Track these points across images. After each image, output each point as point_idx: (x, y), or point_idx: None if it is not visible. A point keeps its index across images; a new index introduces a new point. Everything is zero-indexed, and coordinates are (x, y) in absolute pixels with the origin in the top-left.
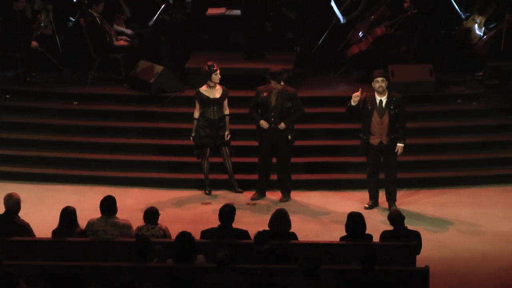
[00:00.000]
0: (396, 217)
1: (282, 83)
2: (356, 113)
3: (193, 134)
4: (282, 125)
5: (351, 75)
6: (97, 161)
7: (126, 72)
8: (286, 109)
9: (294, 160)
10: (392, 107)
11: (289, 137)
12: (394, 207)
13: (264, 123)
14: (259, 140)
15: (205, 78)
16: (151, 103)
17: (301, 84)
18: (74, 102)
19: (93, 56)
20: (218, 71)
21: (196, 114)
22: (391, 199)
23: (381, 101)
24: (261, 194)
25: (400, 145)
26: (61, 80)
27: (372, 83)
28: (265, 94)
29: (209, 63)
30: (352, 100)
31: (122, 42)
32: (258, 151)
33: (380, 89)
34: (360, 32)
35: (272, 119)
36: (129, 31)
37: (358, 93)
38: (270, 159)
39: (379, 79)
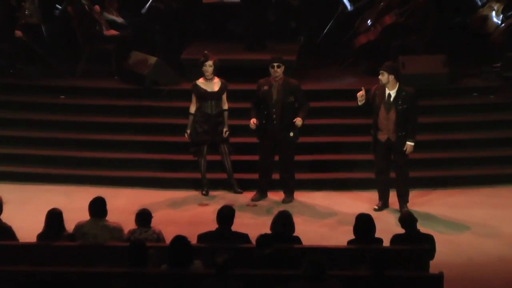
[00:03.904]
0: (408, 219)
1: (280, 69)
2: (368, 108)
3: (188, 131)
4: (299, 121)
5: (358, 67)
6: (86, 159)
7: (118, 64)
8: (288, 103)
9: (297, 158)
10: (400, 102)
11: (291, 134)
12: (406, 209)
13: (251, 123)
14: (259, 137)
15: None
16: (144, 97)
17: (304, 77)
18: (62, 96)
19: (82, 46)
20: (209, 63)
21: (192, 109)
22: (402, 200)
23: (389, 95)
24: (262, 195)
25: (409, 143)
26: (48, 73)
27: None
28: (265, 87)
29: (203, 53)
30: (358, 101)
31: (113, 32)
32: (259, 149)
33: (380, 82)
34: (369, 21)
35: (274, 116)
36: (120, 20)
37: (362, 93)
38: (272, 157)
39: (380, 71)
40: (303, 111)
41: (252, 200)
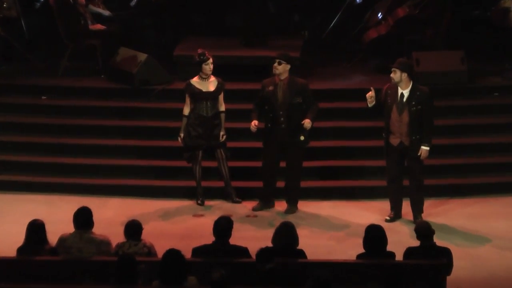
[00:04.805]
0: (425, 230)
1: (281, 66)
2: (380, 110)
3: (181, 134)
4: (307, 123)
5: (368, 64)
6: (71, 166)
7: (104, 61)
8: (295, 104)
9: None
10: (413, 103)
11: (302, 137)
12: (420, 219)
13: (252, 126)
14: (264, 141)
15: (197, 69)
16: (133, 97)
17: (309, 75)
18: (43, 97)
19: (65, 42)
20: (210, 61)
21: (186, 111)
22: (417, 209)
23: (402, 94)
24: (264, 204)
25: (424, 148)
26: (28, 71)
27: None
28: (270, 88)
29: (199, 51)
30: (367, 102)
31: (99, 26)
32: (263, 154)
33: (392, 81)
34: (379, 13)
35: (281, 118)
36: (107, 13)
37: (371, 93)
38: (277, 163)
39: (392, 69)
40: (312, 112)
41: (253, 209)
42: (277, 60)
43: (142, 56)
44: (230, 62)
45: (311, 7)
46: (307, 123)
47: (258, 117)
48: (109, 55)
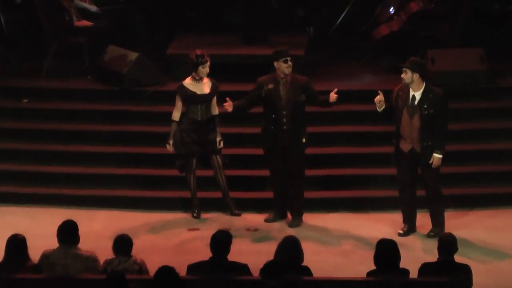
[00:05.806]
0: (449, 243)
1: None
2: (393, 114)
3: (170, 141)
4: (334, 94)
5: (379, 63)
6: (54, 175)
7: (91, 60)
8: (299, 103)
9: (306, 172)
10: (425, 106)
11: (303, 139)
12: (437, 232)
13: (227, 105)
14: (265, 147)
15: (190, 69)
16: (123, 100)
17: (314, 75)
18: (24, 100)
19: (48, 40)
20: (208, 64)
21: (177, 115)
22: (436, 222)
23: (413, 97)
24: (277, 215)
25: (436, 156)
26: (8, 72)
27: None
28: (270, 86)
29: (198, 52)
30: (376, 106)
31: (85, 23)
32: (268, 162)
33: (403, 81)
34: (391, 8)
35: (284, 119)
36: (94, 8)
37: (379, 97)
38: (285, 169)
39: (403, 69)
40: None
41: (266, 220)
42: (290, 58)
43: (133, 55)
44: (228, 61)
45: (316, 1)
46: (334, 93)
47: (241, 103)
48: (96, 53)
